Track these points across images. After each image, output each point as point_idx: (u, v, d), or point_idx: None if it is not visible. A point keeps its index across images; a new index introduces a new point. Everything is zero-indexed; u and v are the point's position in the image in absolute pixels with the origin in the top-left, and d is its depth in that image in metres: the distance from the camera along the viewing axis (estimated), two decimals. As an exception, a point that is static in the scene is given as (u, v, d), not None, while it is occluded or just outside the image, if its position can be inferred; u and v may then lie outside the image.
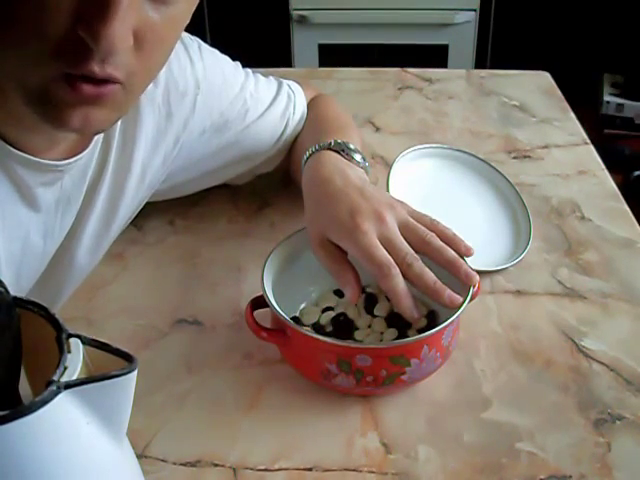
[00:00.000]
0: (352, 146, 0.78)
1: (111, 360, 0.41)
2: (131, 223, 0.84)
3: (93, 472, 0.41)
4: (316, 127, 0.87)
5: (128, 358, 0.41)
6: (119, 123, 0.69)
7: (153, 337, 0.73)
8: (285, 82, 0.90)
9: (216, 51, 0.82)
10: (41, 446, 0.38)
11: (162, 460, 0.60)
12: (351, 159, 0.76)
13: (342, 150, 0.77)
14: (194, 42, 0.77)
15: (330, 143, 0.77)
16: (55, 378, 0.38)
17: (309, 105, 0.92)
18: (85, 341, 0.41)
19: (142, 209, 0.80)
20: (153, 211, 0.90)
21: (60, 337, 0.41)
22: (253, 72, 0.86)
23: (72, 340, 0.41)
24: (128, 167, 0.72)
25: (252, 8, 2.45)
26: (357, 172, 0.75)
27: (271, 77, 0.89)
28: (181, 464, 0.60)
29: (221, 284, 0.80)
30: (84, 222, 0.71)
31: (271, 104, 0.86)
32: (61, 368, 0.39)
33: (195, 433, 0.63)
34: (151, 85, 0.62)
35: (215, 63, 0.80)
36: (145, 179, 0.75)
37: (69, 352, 0.40)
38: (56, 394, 0.37)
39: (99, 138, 0.68)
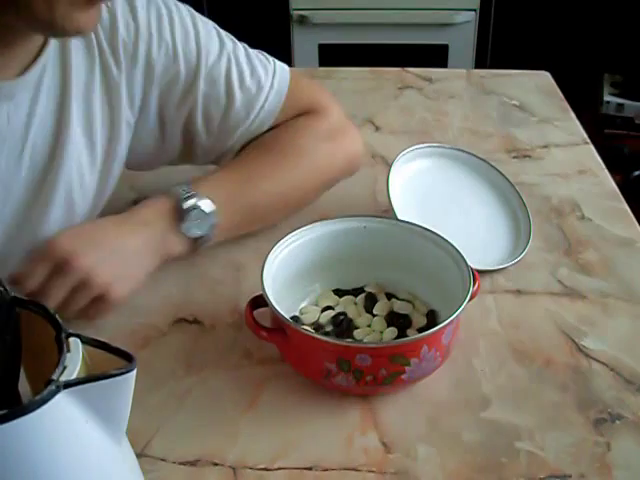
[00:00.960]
0: (207, 209, 0.74)
1: (110, 359, 0.41)
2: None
3: (92, 471, 0.41)
4: (255, 157, 0.82)
5: (127, 357, 0.41)
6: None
7: (153, 336, 0.73)
8: (279, 64, 0.86)
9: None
10: (40, 445, 0.38)
11: (162, 459, 0.60)
12: (180, 221, 0.73)
13: (184, 211, 0.73)
14: None
15: (194, 197, 0.73)
16: (54, 377, 0.38)
17: (290, 124, 0.85)
18: (84, 340, 0.41)
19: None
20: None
21: (59, 336, 0.41)
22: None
23: (71, 339, 0.41)
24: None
25: (252, 8, 2.45)
26: (144, 236, 0.71)
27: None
28: (181, 463, 0.60)
29: (221, 283, 0.80)
30: (65, 136, 0.70)
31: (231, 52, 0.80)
32: (60, 367, 0.39)
33: (195, 432, 0.63)
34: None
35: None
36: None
37: (68, 351, 0.40)
38: (55, 393, 0.37)
39: (44, 65, 0.67)
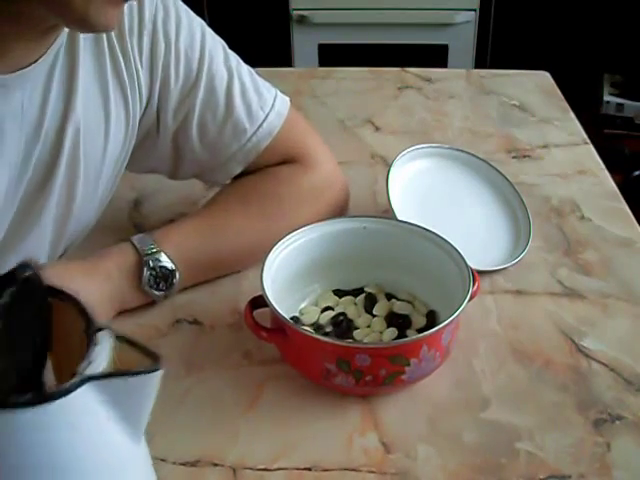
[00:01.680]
0: (170, 267, 0.73)
1: (137, 357, 0.41)
2: (131, 223, 0.83)
3: (110, 467, 0.41)
4: (229, 205, 0.81)
5: (154, 357, 0.41)
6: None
7: (153, 337, 0.73)
8: (280, 96, 0.84)
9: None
10: (59, 435, 0.38)
11: (162, 460, 0.60)
12: (142, 278, 0.72)
13: (146, 269, 0.72)
14: None
15: (158, 254, 0.73)
16: (80, 370, 0.38)
17: (273, 173, 0.83)
18: (114, 336, 0.41)
19: (141, 209, 0.79)
20: (153, 211, 0.90)
21: (89, 329, 0.41)
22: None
23: (101, 333, 0.41)
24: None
25: (252, 8, 2.45)
26: (102, 288, 0.71)
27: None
28: (180, 464, 0.60)
29: (221, 284, 0.80)
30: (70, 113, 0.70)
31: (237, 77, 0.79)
32: (87, 360, 0.39)
33: (195, 433, 0.63)
34: None
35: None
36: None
37: (97, 345, 0.40)
38: (79, 385, 0.37)
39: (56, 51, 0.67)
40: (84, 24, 0.59)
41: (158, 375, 0.41)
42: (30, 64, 0.64)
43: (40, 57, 0.65)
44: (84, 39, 0.69)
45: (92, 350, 0.39)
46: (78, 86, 0.70)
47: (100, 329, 0.41)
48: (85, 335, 0.40)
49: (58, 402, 0.36)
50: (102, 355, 0.39)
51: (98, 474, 0.40)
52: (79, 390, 0.37)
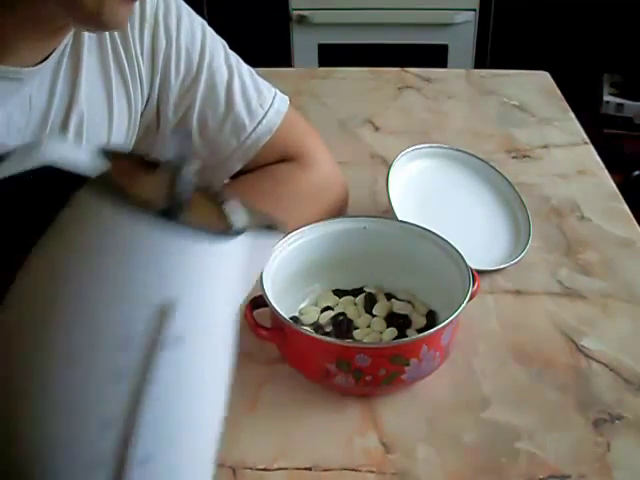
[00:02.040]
0: None
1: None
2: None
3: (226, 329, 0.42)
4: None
5: (274, 221, 0.44)
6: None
7: (153, 337, 0.73)
8: (279, 96, 0.84)
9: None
10: (216, 274, 0.38)
11: (161, 460, 0.60)
12: None
13: None
14: None
15: None
16: (228, 228, 0.39)
17: (272, 171, 0.83)
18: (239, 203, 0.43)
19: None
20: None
21: (220, 200, 0.42)
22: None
23: (229, 203, 0.42)
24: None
25: (252, 8, 2.45)
26: None
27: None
28: (180, 464, 0.60)
29: (221, 284, 0.80)
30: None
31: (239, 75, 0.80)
32: (229, 222, 0.40)
33: (194, 433, 0.63)
34: None
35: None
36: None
37: (233, 214, 0.41)
38: (234, 236, 0.38)
39: (64, 49, 0.67)
40: (96, 22, 0.59)
41: (278, 237, 0.45)
42: (37, 63, 0.64)
43: (48, 56, 0.65)
44: (89, 38, 0.70)
45: (230, 216, 0.40)
46: (82, 82, 0.70)
47: (227, 199, 0.42)
48: (217, 207, 0.41)
49: (220, 244, 0.38)
50: (240, 217, 0.41)
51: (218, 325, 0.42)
52: (233, 240, 0.38)
